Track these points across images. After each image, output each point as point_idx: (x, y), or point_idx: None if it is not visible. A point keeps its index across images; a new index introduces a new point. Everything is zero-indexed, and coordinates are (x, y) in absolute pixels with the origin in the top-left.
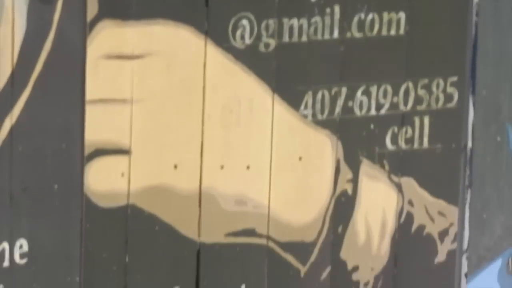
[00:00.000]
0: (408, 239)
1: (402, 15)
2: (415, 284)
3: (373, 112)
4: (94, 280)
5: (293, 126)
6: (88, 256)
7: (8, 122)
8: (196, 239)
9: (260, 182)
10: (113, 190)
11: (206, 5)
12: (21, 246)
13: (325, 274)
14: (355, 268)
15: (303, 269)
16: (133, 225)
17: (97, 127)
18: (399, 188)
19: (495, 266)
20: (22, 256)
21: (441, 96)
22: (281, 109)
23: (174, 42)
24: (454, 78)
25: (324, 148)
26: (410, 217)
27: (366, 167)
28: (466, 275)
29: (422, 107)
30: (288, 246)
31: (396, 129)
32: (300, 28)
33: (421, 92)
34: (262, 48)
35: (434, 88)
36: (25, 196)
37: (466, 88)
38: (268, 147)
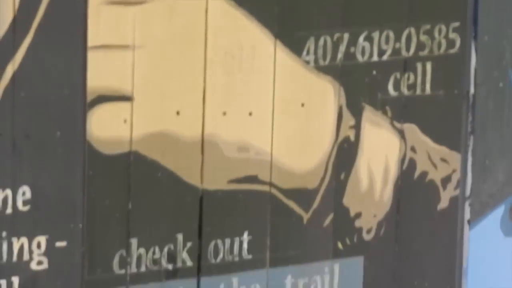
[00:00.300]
0: (410, 186)
1: None
2: (418, 230)
3: (375, 58)
4: (96, 227)
5: (295, 72)
6: (90, 203)
7: (10, 69)
8: (199, 186)
9: (263, 129)
10: (116, 136)
11: None
12: (23, 193)
13: (327, 221)
14: (358, 215)
15: (305, 216)
16: (135, 172)
17: (99, 74)
18: (401, 134)
19: (498, 212)
20: (25, 203)
21: (443, 42)
22: (283, 55)
23: None
24: (456, 24)
25: (326, 95)
26: (412, 163)
27: (369, 114)
28: (468, 222)
29: (424, 53)
30: (291, 193)
31: (398, 75)
32: None
33: (423, 38)
34: None
35: (436, 34)
36: (27, 143)
37: (468, 34)
38: (271, 93)
